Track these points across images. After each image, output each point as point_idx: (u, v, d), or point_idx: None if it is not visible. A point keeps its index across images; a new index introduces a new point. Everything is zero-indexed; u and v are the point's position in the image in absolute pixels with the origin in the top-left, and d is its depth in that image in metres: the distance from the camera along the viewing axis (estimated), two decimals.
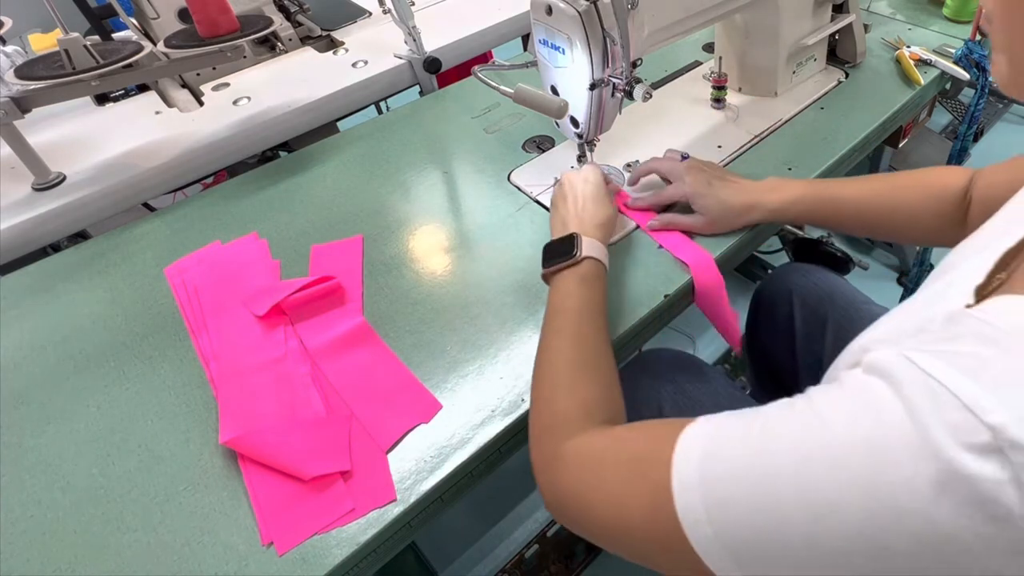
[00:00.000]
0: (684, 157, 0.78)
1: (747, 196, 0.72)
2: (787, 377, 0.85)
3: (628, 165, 0.88)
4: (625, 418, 0.52)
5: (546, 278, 0.64)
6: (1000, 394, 0.27)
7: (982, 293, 0.37)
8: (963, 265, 0.41)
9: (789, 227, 1.07)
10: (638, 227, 0.77)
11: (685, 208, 0.75)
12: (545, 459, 0.48)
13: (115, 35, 1.07)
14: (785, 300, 0.85)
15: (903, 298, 1.37)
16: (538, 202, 0.83)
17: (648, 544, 0.37)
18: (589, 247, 0.62)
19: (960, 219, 0.64)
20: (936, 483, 0.26)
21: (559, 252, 0.63)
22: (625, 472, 0.40)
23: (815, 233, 1.33)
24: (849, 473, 0.29)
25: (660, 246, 0.74)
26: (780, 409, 0.35)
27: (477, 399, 0.61)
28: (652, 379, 0.80)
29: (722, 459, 0.35)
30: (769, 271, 1.55)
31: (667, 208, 0.78)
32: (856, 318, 0.78)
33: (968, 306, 0.35)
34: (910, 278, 1.36)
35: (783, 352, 0.85)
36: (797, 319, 0.83)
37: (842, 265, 1.09)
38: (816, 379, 0.85)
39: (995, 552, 0.26)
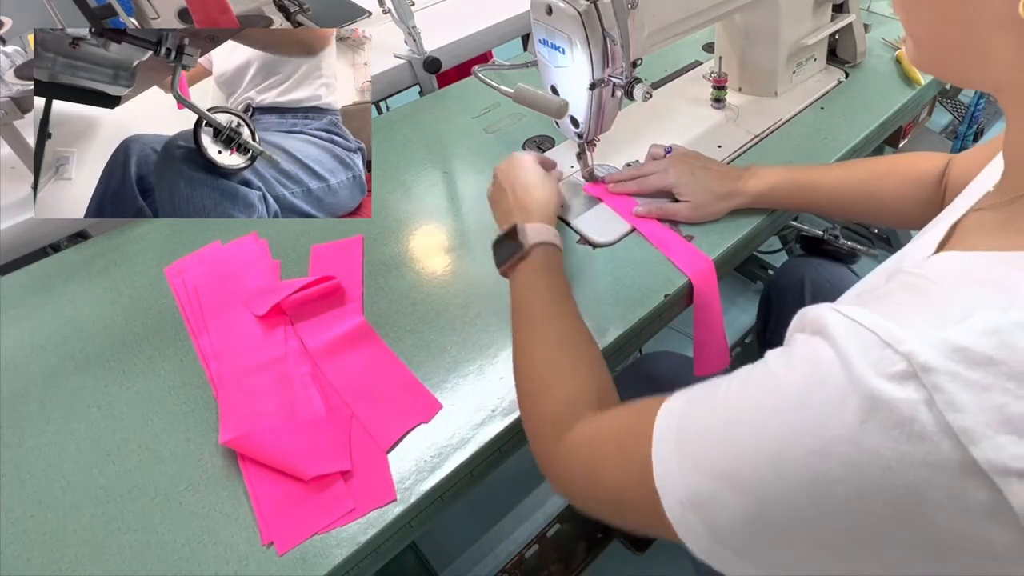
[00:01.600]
0: (668, 151, 0.80)
1: (728, 183, 0.75)
2: None
3: (628, 165, 0.88)
4: (615, 392, 0.53)
5: (505, 275, 0.64)
6: (914, 328, 0.30)
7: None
8: (918, 239, 0.45)
9: (794, 223, 1.07)
10: (635, 229, 0.77)
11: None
12: (546, 458, 0.49)
13: None
14: (797, 291, 0.86)
15: None
16: None
17: (647, 517, 0.38)
18: (535, 233, 0.62)
19: (937, 204, 0.65)
20: (862, 411, 0.29)
21: (507, 247, 0.63)
22: (616, 453, 0.42)
23: (818, 231, 1.33)
24: (793, 416, 0.32)
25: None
26: (743, 373, 0.38)
27: (477, 399, 0.61)
28: (653, 380, 0.80)
29: (694, 420, 0.38)
30: (770, 271, 1.55)
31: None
32: None
33: None
34: None
35: None
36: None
37: (847, 259, 1.10)
38: None
39: (913, 465, 0.28)
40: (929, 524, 0.28)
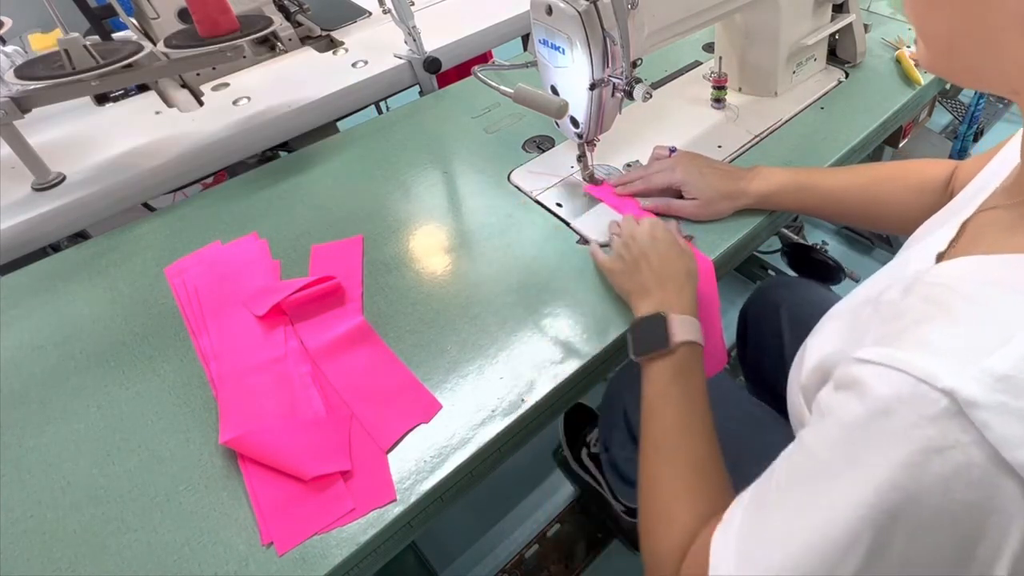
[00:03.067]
0: (672, 151, 0.80)
1: (735, 183, 0.75)
2: (780, 387, 0.86)
3: (628, 165, 0.88)
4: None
5: (638, 362, 0.60)
6: (949, 359, 0.27)
7: (940, 259, 0.39)
8: (925, 239, 0.43)
9: (786, 231, 1.07)
10: None
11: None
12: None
13: (115, 35, 1.07)
14: (773, 314, 0.85)
15: None
16: (538, 202, 0.83)
17: None
18: (682, 329, 0.57)
19: None
20: (912, 467, 0.27)
21: (649, 337, 0.58)
22: None
23: (810, 240, 1.34)
24: (842, 486, 0.30)
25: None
26: (782, 464, 0.36)
27: (477, 399, 0.61)
28: None
29: (750, 535, 0.36)
30: (770, 271, 1.55)
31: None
32: None
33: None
34: None
35: (773, 364, 0.85)
36: (785, 332, 0.83)
37: (833, 273, 1.09)
38: None
39: (983, 513, 0.26)
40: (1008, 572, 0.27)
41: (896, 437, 0.28)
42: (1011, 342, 0.27)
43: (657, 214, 0.76)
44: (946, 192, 0.65)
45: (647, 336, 0.58)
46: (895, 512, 0.28)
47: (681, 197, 0.76)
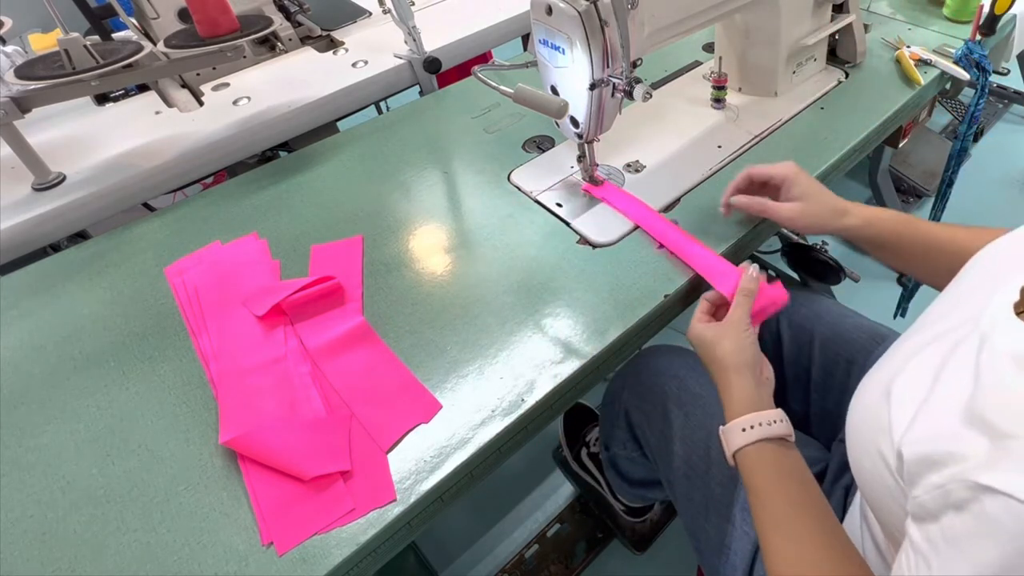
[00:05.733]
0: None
1: (842, 201, 0.70)
2: (776, 391, 0.86)
3: (628, 165, 0.88)
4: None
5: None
6: None
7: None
8: (996, 296, 0.41)
9: (786, 231, 1.06)
10: (638, 227, 0.77)
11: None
12: None
13: (115, 35, 1.06)
14: (772, 321, 0.85)
15: (903, 298, 1.37)
16: (538, 202, 0.83)
17: None
18: (734, 434, 0.57)
19: None
20: None
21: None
22: None
23: (810, 240, 1.34)
24: None
25: (660, 246, 0.74)
26: None
27: (477, 399, 0.61)
28: (655, 376, 0.80)
29: None
30: (770, 271, 1.55)
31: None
32: (842, 330, 0.79)
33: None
34: (908, 278, 1.36)
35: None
36: (785, 339, 0.83)
37: (833, 273, 1.09)
38: (805, 391, 0.84)
39: None
40: None
41: None
42: None
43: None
44: None
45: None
46: None
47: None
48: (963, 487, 0.32)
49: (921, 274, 0.68)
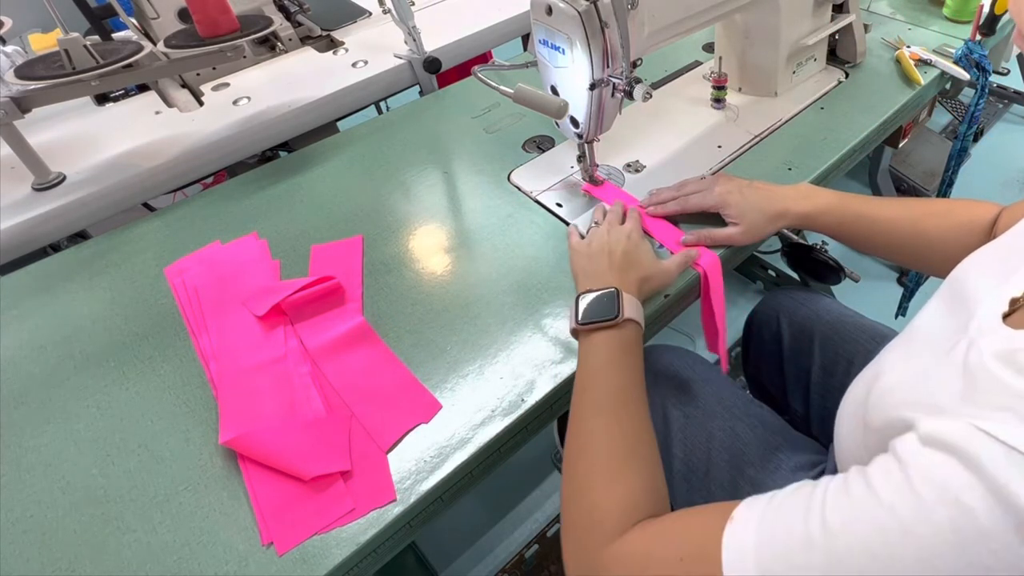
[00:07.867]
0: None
1: (779, 202, 0.71)
2: (776, 391, 0.86)
3: (628, 165, 0.88)
4: (668, 503, 0.49)
5: (575, 333, 0.60)
6: None
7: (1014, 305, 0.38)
8: (993, 292, 0.42)
9: (786, 231, 1.07)
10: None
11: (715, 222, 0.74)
12: (582, 564, 0.45)
13: (115, 35, 1.06)
14: (773, 321, 0.85)
15: (903, 299, 1.37)
16: (538, 202, 0.83)
17: None
18: (632, 308, 0.58)
19: None
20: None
21: (598, 307, 0.58)
22: (676, 571, 0.39)
23: (811, 240, 1.34)
24: (940, 563, 0.29)
25: (660, 245, 0.74)
26: (836, 497, 0.34)
27: (477, 399, 0.61)
28: (654, 378, 0.80)
29: (782, 560, 0.34)
30: (770, 271, 1.55)
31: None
32: (842, 329, 0.79)
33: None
34: (910, 278, 1.37)
35: (772, 369, 0.86)
36: (785, 337, 0.83)
37: (833, 273, 1.09)
38: (805, 391, 0.84)
39: None
40: None
41: (1017, 525, 0.27)
42: None
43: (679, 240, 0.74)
44: (990, 234, 0.63)
45: (596, 307, 0.59)
46: None
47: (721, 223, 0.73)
48: (949, 430, 0.32)
49: (880, 254, 0.72)
